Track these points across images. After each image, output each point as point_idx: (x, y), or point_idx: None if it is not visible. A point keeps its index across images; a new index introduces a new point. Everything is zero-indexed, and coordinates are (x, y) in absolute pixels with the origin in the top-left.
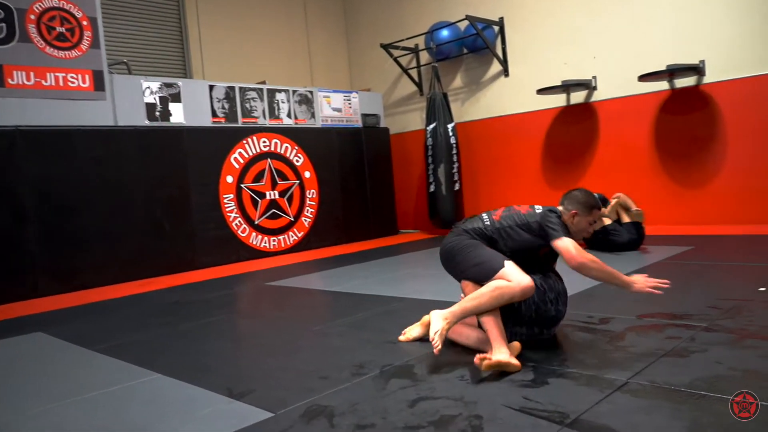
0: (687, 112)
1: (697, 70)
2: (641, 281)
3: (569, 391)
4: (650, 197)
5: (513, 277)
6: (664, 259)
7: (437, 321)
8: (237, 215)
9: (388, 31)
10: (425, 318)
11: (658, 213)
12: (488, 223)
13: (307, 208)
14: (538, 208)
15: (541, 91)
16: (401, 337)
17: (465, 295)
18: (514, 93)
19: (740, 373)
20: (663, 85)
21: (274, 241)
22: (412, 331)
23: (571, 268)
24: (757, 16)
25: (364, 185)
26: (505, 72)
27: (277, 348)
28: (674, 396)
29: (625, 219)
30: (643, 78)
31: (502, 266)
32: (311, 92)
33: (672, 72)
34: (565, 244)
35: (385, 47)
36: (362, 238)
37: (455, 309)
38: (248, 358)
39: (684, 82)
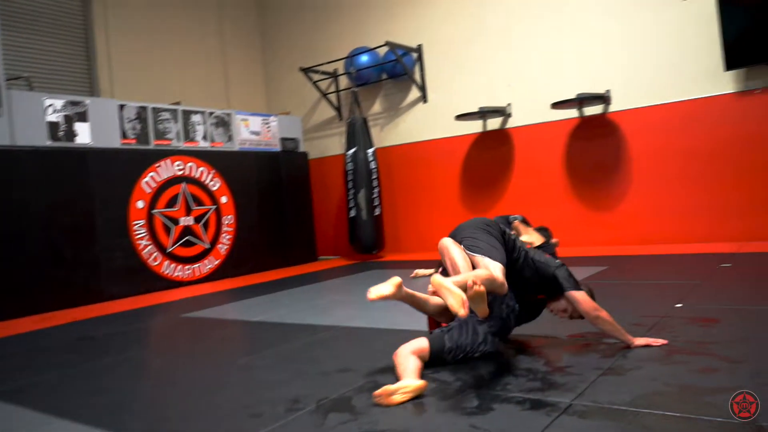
0: (595, 139)
1: (604, 98)
2: (642, 340)
3: (516, 416)
4: (563, 220)
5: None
6: (582, 280)
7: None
8: (148, 243)
9: (307, 54)
10: (395, 279)
11: (571, 235)
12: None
13: (224, 234)
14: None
15: (459, 117)
16: (371, 295)
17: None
18: (432, 119)
19: (676, 388)
20: (573, 113)
21: (188, 269)
22: (382, 289)
23: (587, 318)
24: (656, 49)
25: (283, 211)
26: (424, 98)
27: (200, 385)
28: (619, 416)
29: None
30: (556, 106)
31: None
32: (228, 114)
33: (581, 100)
34: (583, 296)
35: (305, 71)
36: (281, 265)
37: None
38: (169, 397)
39: (592, 110)
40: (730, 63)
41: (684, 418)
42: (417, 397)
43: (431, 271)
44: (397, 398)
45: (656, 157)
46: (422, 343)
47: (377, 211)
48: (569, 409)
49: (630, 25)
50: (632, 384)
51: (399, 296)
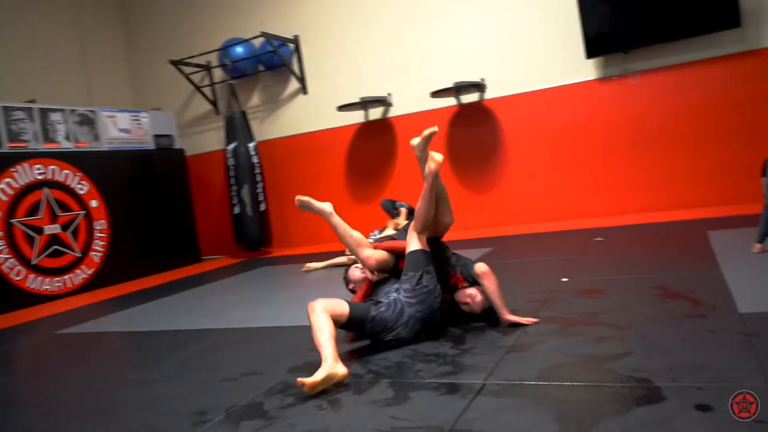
0: (473, 125)
1: (479, 86)
2: (513, 317)
3: (433, 402)
4: None
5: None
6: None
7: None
8: (8, 256)
9: (177, 46)
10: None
11: (456, 220)
12: None
13: (97, 241)
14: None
15: (341, 108)
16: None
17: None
18: (313, 110)
19: (579, 359)
20: (452, 101)
21: (58, 282)
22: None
23: (482, 273)
24: (525, 39)
25: (162, 212)
26: (304, 89)
27: (91, 407)
28: (531, 391)
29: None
30: (435, 94)
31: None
32: (93, 112)
33: (458, 89)
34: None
35: (175, 64)
36: (163, 269)
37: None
38: (56, 425)
39: (469, 98)
40: (591, 52)
41: (590, 387)
42: (331, 391)
43: (323, 264)
44: (320, 388)
45: (528, 140)
46: (341, 307)
47: (262, 207)
48: (483, 390)
49: (501, 16)
50: (538, 359)
51: None
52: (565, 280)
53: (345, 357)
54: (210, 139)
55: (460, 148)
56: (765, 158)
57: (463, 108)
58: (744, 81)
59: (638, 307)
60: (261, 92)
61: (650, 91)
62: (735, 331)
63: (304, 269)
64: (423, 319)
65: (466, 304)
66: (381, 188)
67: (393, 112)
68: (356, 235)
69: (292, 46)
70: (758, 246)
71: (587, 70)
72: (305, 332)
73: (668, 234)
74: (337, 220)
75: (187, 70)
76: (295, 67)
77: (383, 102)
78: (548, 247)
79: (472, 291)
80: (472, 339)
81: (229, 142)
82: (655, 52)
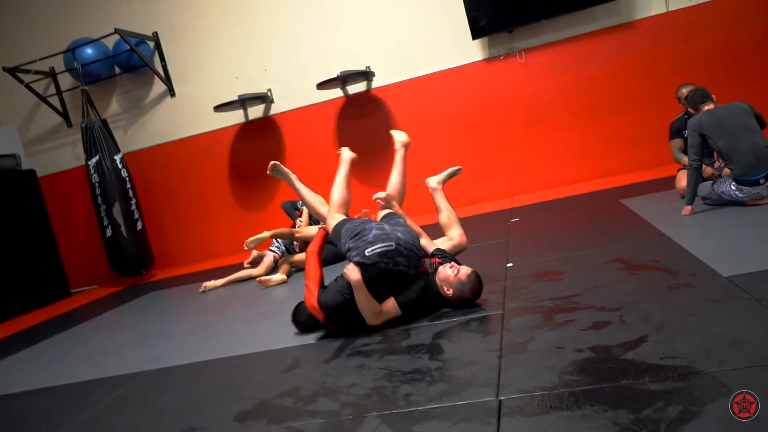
0: (362, 116)
1: (366, 75)
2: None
3: None
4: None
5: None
6: None
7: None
8: None
9: (11, 51)
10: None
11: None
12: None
13: None
14: None
15: (217, 108)
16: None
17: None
18: (185, 113)
19: (591, 353)
20: (338, 93)
21: None
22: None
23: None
24: (410, 24)
25: (15, 244)
26: (171, 91)
27: None
28: (563, 401)
29: None
30: (321, 86)
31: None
32: None
33: (345, 78)
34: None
35: (11, 71)
36: (25, 309)
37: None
38: None
39: (357, 87)
40: (476, 33)
41: (631, 386)
42: None
43: (222, 281)
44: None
45: (421, 127)
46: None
47: (139, 225)
48: (503, 409)
49: (383, 1)
50: (542, 359)
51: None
52: (510, 265)
53: (298, 388)
54: (65, 156)
55: (350, 140)
56: (671, 122)
57: (350, 99)
58: (620, 53)
59: (613, 285)
60: (121, 98)
61: (537, 68)
62: (738, 297)
63: (201, 290)
64: (405, 247)
65: (451, 278)
66: (273, 191)
67: (276, 108)
68: (319, 198)
69: (151, 43)
70: (688, 208)
71: (474, 51)
72: (240, 363)
73: (583, 207)
74: (300, 184)
75: (27, 78)
76: (158, 67)
77: (264, 99)
78: (469, 233)
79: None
80: (448, 346)
81: (90, 157)
82: (538, 30)
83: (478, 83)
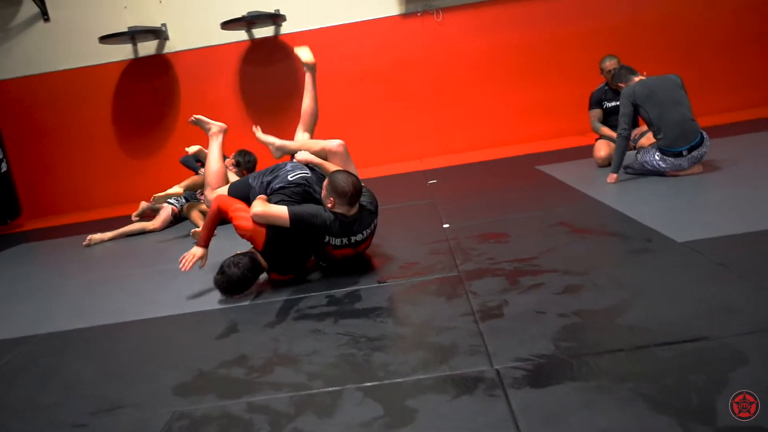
0: (269, 64)
1: (275, 17)
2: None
3: (456, 410)
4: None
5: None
6: None
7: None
8: None
9: None
10: None
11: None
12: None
13: None
14: None
15: (102, 39)
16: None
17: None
18: (61, 42)
19: (580, 318)
20: (243, 35)
21: None
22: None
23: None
24: None
25: None
26: (44, 15)
27: None
28: (570, 372)
29: None
30: (225, 26)
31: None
32: None
33: (251, 20)
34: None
35: None
36: None
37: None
38: None
39: (264, 31)
40: None
41: (644, 352)
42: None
43: (111, 233)
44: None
45: (333, 81)
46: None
47: (3, 167)
48: (505, 379)
49: None
50: (526, 325)
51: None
52: (447, 226)
53: (245, 356)
54: None
55: (253, 89)
56: (591, 92)
57: (256, 43)
58: (540, 21)
59: (566, 248)
60: None
61: (455, 29)
62: (703, 263)
63: (86, 243)
64: (319, 176)
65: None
66: (165, 138)
67: (170, 46)
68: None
69: None
70: (614, 176)
71: (391, 4)
72: (159, 327)
73: (499, 171)
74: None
75: None
76: None
77: (157, 33)
78: (394, 193)
79: None
80: (411, 309)
81: None
82: None
83: (393, 39)
